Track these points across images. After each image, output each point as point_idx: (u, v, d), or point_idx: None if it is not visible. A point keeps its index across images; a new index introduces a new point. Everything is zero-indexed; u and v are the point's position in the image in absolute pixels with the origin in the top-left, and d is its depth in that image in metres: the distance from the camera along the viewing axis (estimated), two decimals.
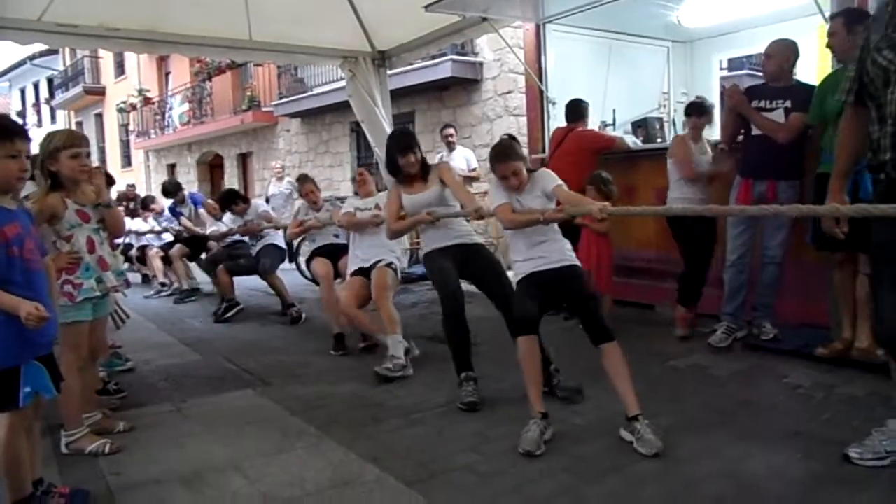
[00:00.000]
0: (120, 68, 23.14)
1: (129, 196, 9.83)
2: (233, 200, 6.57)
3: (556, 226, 3.16)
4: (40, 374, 2.17)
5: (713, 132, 4.85)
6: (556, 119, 6.38)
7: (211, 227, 7.26)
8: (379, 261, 4.40)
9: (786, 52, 3.98)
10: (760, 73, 4.36)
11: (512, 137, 3.29)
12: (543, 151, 6.40)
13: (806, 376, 3.53)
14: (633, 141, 6.58)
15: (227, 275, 6.24)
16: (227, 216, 6.76)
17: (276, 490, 2.48)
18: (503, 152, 3.13)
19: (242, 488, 2.52)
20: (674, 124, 7.49)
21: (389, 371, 3.88)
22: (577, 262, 3.15)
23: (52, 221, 2.83)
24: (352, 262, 4.64)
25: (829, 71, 3.88)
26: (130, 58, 21.55)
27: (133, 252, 8.62)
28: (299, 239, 6.37)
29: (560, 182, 3.12)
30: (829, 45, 3.61)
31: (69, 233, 2.90)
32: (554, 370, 3.40)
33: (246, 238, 6.60)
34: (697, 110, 4.43)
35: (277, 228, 6.39)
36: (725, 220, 4.22)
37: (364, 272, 4.44)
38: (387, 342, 4.06)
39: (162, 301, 7.73)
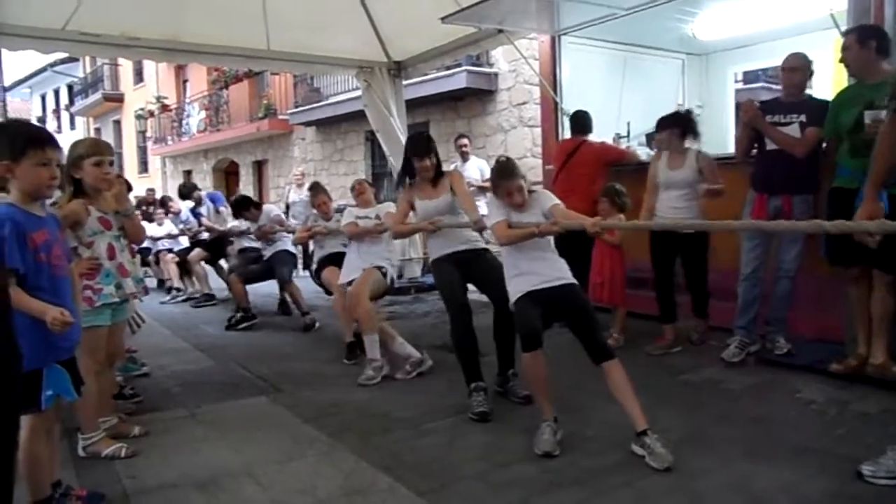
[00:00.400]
0: (139, 76, 23.46)
1: (148, 200, 9.95)
2: (245, 206, 6.67)
3: (552, 244, 3.19)
4: (62, 377, 2.22)
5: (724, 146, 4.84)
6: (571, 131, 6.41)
7: (231, 223, 7.38)
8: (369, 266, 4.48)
9: (806, 65, 3.99)
10: (777, 87, 4.35)
11: (508, 159, 3.34)
12: None
13: (819, 392, 3.51)
14: (646, 153, 6.58)
15: (239, 283, 6.31)
16: (241, 222, 6.85)
17: (288, 497, 2.51)
18: (508, 170, 3.18)
19: (255, 494, 2.55)
20: None
21: (369, 379, 4.00)
22: (574, 281, 3.15)
23: (74, 228, 2.89)
24: (349, 272, 4.68)
25: (844, 85, 3.88)
26: (149, 65, 21.83)
27: (150, 257, 8.72)
28: (311, 246, 6.44)
29: (557, 202, 3.18)
30: (842, 60, 3.62)
31: (90, 239, 2.96)
32: (512, 374, 3.57)
33: (258, 244, 6.70)
34: (657, 125, 4.49)
35: (289, 232, 6.46)
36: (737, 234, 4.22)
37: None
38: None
39: (177, 306, 7.80)
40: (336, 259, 5.29)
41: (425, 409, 3.51)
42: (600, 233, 2.99)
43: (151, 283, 8.80)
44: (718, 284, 4.96)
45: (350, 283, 4.56)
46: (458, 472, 2.70)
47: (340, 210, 5.87)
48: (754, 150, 4.19)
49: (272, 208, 6.95)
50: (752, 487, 2.46)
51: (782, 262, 4.04)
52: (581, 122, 5.61)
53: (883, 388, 3.41)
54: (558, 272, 3.12)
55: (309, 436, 3.19)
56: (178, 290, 8.23)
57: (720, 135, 6.97)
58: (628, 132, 6.73)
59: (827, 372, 3.70)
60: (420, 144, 3.88)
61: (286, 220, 6.84)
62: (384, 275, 4.50)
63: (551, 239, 3.19)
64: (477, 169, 8.15)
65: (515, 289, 3.12)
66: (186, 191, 8.68)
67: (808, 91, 4.13)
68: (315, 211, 5.80)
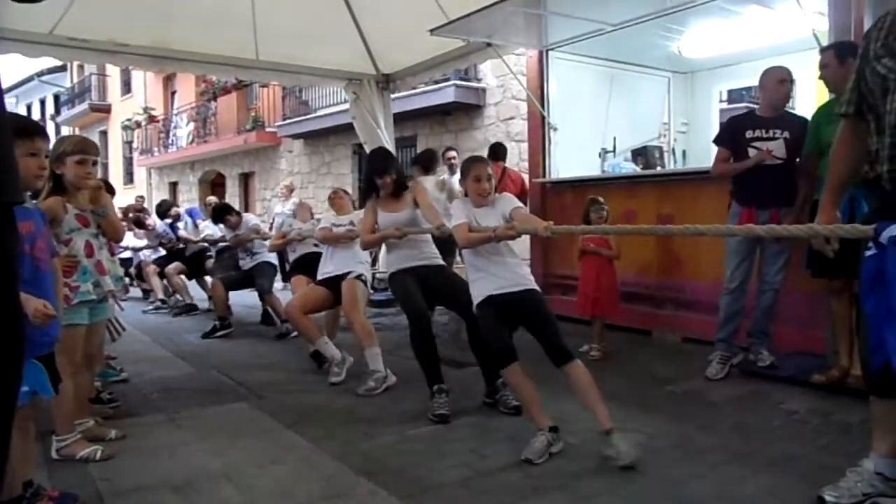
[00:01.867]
0: (126, 86, 23.39)
1: (137, 208, 9.94)
2: (226, 214, 6.70)
3: (514, 249, 3.20)
4: (39, 373, 2.17)
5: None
6: (558, 146, 6.46)
7: (206, 231, 7.44)
8: (348, 272, 4.48)
9: (792, 78, 4.04)
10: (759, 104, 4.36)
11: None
12: (544, 176, 6.45)
13: (802, 403, 3.52)
14: (632, 168, 6.64)
15: (221, 288, 6.29)
16: (220, 227, 6.91)
17: (267, 500, 2.47)
18: (480, 157, 3.29)
19: (233, 498, 2.50)
20: (673, 153, 7.57)
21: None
22: (535, 286, 3.16)
23: (51, 225, 2.83)
24: (320, 272, 4.73)
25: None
26: (137, 76, 21.79)
27: (132, 269, 8.67)
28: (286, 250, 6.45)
29: (519, 205, 3.24)
30: (822, 77, 3.67)
31: (67, 237, 2.91)
32: (501, 384, 3.51)
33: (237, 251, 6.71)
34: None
35: (265, 240, 6.45)
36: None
37: (329, 283, 4.53)
38: (326, 352, 4.27)
39: (159, 316, 7.72)
40: (307, 263, 5.34)
41: (409, 416, 3.47)
42: (552, 237, 3.01)
43: (136, 292, 8.79)
44: (694, 296, 5.02)
45: (321, 282, 4.60)
46: (440, 477, 2.66)
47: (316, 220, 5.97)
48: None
49: (251, 217, 7.01)
50: (736, 493, 2.45)
51: (766, 275, 4.06)
52: (498, 151, 7.08)
53: (864, 398, 3.35)
54: (519, 277, 3.13)
55: (290, 441, 3.14)
56: (164, 301, 8.17)
57: (704, 152, 7.02)
58: (614, 147, 6.79)
59: (809, 383, 3.71)
60: (379, 161, 3.98)
61: (262, 229, 6.83)
62: (364, 282, 4.52)
63: (513, 244, 3.18)
64: None
65: (476, 292, 3.14)
66: (163, 210, 8.77)
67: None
68: (293, 218, 5.94)
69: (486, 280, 3.12)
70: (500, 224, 3.09)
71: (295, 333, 5.92)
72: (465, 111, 10.38)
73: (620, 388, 3.89)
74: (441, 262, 3.93)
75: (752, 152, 3.98)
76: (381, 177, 3.89)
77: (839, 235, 2.25)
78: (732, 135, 4.11)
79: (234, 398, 3.95)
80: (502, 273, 3.10)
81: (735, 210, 4.09)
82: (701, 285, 4.98)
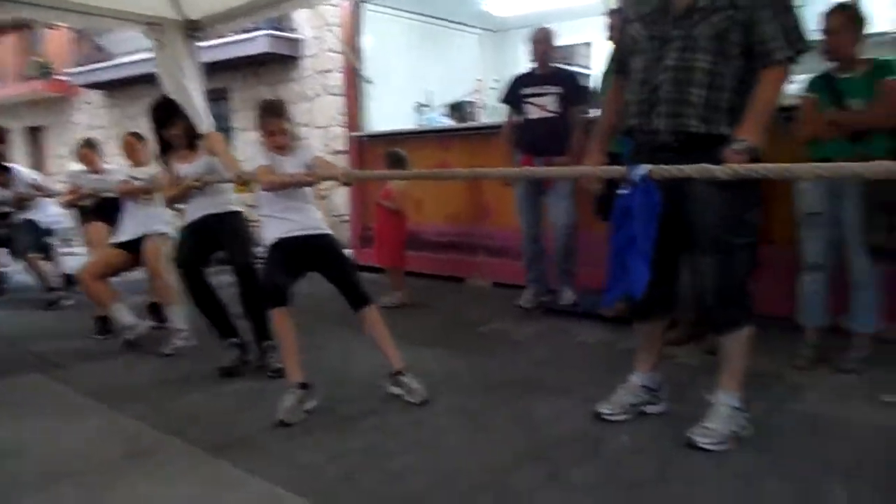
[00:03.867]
0: None
1: None
2: None
3: (308, 194, 3.21)
4: None
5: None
6: (374, 99, 6.47)
7: None
8: (150, 233, 4.18)
9: (548, 38, 4.40)
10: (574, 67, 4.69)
11: (279, 100, 3.32)
12: (360, 130, 6.45)
13: (594, 335, 3.92)
14: (448, 123, 6.85)
15: None
16: None
17: (58, 467, 2.34)
18: (274, 108, 3.14)
19: (19, 468, 2.34)
20: (486, 109, 7.88)
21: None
22: (329, 231, 3.19)
23: None
24: (122, 234, 4.27)
25: None
26: None
27: None
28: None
29: (320, 154, 3.29)
30: (609, 38, 4.01)
31: None
32: (269, 346, 3.45)
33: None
34: None
35: (49, 196, 5.77)
36: None
37: (126, 245, 4.17)
38: (120, 318, 4.04)
39: None
40: (106, 208, 4.72)
41: (217, 373, 3.39)
42: (349, 183, 3.07)
43: None
44: (503, 243, 5.36)
45: (116, 245, 4.21)
46: (251, 429, 2.65)
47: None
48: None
49: (28, 172, 6.14)
50: (530, 417, 2.70)
51: (556, 219, 4.41)
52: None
53: None
54: (313, 222, 3.13)
55: (90, 407, 2.98)
56: None
57: (498, 109, 7.38)
58: (430, 102, 6.93)
59: (602, 317, 4.11)
60: (162, 112, 3.73)
61: (43, 184, 6.04)
62: (169, 240, 4.24)
63: (308, 191, 3.19)
64: None
65: (268, 234, 3.09)
66: None
67: (556, 64, 4.52)
68: (83, 167, 5.25)
69: (277, 222, 3.06)
70: (301, 170, 3.07)
71: (70, 302, 5.49)
72: (281, 63, 9.99)
73: (430, 332, 4.10)
74: (232, 208, 3.76)
75: (527, 108, 4.32)
76: (166, 129, 3.66)
77: (597, 176, 2.55)
78: (511, 92, 4.46)
79: (25, 369, 3.62)
80: (295, 217, 3.07)
81: (516, 159, 4.42)
82: (509, 233, 5.28)
